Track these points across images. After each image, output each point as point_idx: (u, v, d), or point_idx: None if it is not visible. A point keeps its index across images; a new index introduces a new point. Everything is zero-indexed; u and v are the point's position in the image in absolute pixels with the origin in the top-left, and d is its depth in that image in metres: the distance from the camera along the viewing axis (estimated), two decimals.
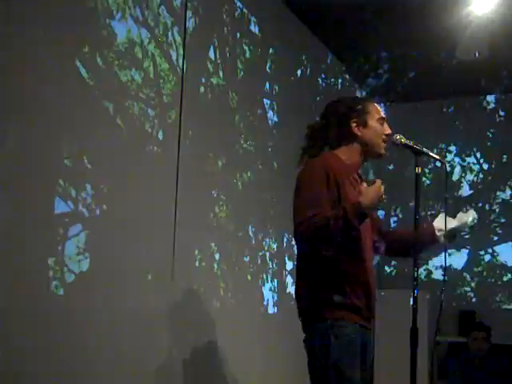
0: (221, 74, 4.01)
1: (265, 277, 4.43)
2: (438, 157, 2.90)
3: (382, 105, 6.75)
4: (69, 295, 2.79)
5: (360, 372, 2.50)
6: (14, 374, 2.47)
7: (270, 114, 4.62)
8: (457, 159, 6.56)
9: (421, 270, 6.09)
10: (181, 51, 3.57)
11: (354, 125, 2.59)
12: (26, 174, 2.62)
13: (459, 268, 6.35)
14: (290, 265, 4.73)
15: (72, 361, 2.72)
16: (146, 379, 3.17)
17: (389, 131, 2.65)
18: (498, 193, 6.35)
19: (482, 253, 6.34)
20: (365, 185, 2.45)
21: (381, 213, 6.75)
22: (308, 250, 2.54)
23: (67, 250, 2.78)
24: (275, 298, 4.55)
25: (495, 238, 6.32)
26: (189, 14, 3.66)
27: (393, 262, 6.62)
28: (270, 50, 4.68)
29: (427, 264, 6.36)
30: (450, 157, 6.57)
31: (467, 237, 6.38)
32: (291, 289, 4.71)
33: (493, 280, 6.28)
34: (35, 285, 2.64)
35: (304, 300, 2.55)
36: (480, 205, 6.38)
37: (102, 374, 2.87)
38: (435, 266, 6.39)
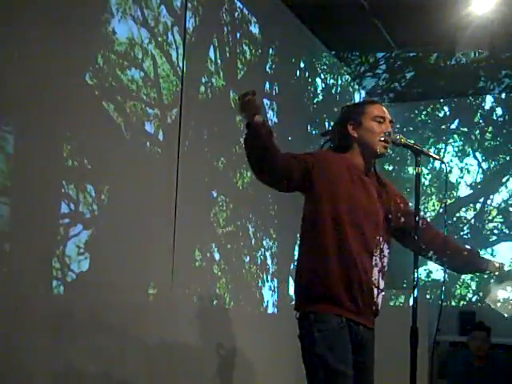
0: (221, 74, 4.01)
1: (264, 277, 4.43)
2: (437, 157, 2.90)
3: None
4: (69, 295, 2.79)
5: (355, 370, 2.49)
6: (14, 374, 2.47)
7: (270, 114, 4.61)
8: (456, 159, 6.56)
9: (421, 270, 6.09)
10: (181, 51, 3.57)
11: (351, 127, 2.62)
12: (26, 175, 2.62)
13: None
14: (289, 265, 4.73)
15: (72, 360, 2.72)
16: (145, 378, 3.18)
17: (388, 130, 2.63)
18: (497, 192, 6.36)
19: (482, 252, 6.33)
20: None
21: None
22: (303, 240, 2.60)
23: (68, 249, 2.78)
24: (275, 298, 4.55)
25: (494, 238, 6.32)
26: (189, 14, 3.66)
27: (392, 262, 6.62)
28: (270, 50, 4.68)
29: (426, 264, 6.37)
30: (449, 157, 6.57)
31: (466, 237, 6.39)
32: (291, 289, 4.72)
33: (493, 280, 6.28)
34: (36, 284, 2.64)
35: (295, 294, 2.61)
36: (479, 205, 6.40)
37: (102, 373, 2.87)
38: (435, 266, 6.39)
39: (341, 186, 2.54)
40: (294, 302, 2.59)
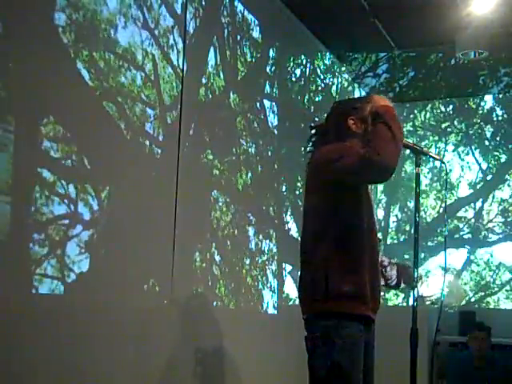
0: (221, 75, 4.01)
1: (264, 278, 4.43)
2: (437, 156, 2.91)
3: None
4: (69, 295, 2.79)
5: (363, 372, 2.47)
6: (14, 374, 2.48)
7: (271, 114, 4.62)
8: (456, 159, 6.57)
9: (420, 270, 6.09)
10: (181, 52, 3.57)
11: (352, 122, 2.57)
12: (26, 175, 2.62)
13: (459, 268, 6.36)
14: (289, 266, 4.73)
15: (72, 361, 2.72)
16: (145, 379, 3.18)
17: None
18: (497, 192, 6.36)
19: (482, 252, 6.34)
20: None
21: (381, 212, 6.76)
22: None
23: (68, 249, 2.78)
24: (275, 299, 4.55)
25: (494, 238, 6.32)
26: (189, 15, 3.66)
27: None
28: (270, 51, 4.68)
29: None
30: (449, 156, 6.57)
31: (466, 237, 6.39)
32: (290, 290, 4.72)
33: (492, 279, 6.28)
34: (36, 284, 2.64)
35: (305, 290, 2.48)
36: (479, 204, 6.40)
37: (102, 373, 2.87)
38: (435, 265, 6.40)
39: (364, 186, 2.56)
40: (302, 300, 2.49)
